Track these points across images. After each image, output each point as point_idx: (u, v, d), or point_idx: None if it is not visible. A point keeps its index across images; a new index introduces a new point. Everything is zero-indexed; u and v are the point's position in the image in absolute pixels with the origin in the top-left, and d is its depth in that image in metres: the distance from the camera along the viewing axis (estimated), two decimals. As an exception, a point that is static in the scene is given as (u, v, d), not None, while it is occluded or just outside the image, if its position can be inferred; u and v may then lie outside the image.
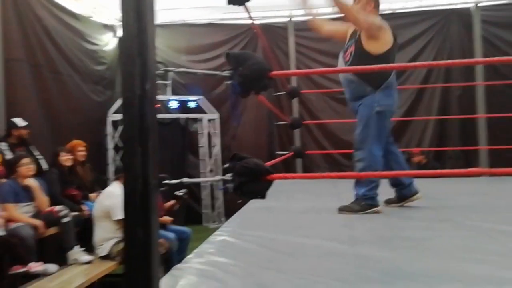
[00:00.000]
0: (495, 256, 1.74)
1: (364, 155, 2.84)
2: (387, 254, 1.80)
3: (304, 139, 6.85)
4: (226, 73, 1.72)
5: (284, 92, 5.89)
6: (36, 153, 4.43)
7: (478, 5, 6.43)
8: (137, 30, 1.30)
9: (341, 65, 2.97)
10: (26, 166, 3.81)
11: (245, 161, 1.65)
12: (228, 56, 1.72)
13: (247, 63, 1.67)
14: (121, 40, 1.36)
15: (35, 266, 3.38)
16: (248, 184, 1.65)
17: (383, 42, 2.81)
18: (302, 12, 6.77)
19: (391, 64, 2.91)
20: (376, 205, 2.81)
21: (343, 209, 2.85)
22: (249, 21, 6.83)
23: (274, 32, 6.96)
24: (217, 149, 6.76)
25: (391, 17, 6.69)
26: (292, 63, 6.85)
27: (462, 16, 6.55)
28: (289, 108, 6.86)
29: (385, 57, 2.78)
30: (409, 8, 6.70)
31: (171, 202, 4.44)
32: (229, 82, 1.72)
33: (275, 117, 6.12)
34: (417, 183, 4.76)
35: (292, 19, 6.88)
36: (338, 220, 2.67)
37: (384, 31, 2.82)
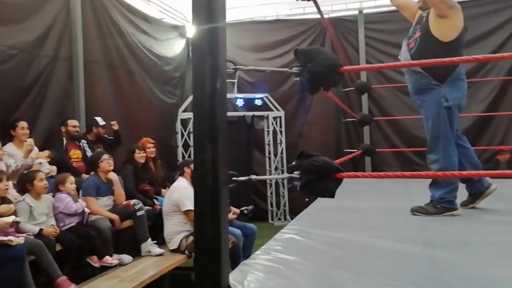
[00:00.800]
0: None
1: (438, 156, 2.64)
2: (463, 259, 1.70)
3: (374, 137, 6.63)
4: (294, 69, 1.70)
5: (353, 88, 5.75)
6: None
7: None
8: (208, 30, 1.33)
9: (404, 53, 2.73)
10: (107, 162, 4.07)
11: (313, 159, 1.63)
12: (296, 52, 1.70)
13: (317, 59, 1.65)
14: (192, 40, 1.40)
15: (110, 260, 3.60)
16: (317, 182, 1.63)
17: (454, 25, 2.56)
18: (372, 3, 6.57)
19: (465, 57, 2.65)
20: (454, 209, 2.63)
21: (416, 210, 2.70)
22: (316, 16, 6.78)
23: (343, 26, 6.81)
24: (282, 147, 6.76)
25: (474, 5, 6.26)
26: (362, 57, 6.65)
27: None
28: (359, 104, 6.67)
29: (455, 45, 2.56)
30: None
31: (235, 211, 4.48)
32: (297, 79, 1.70)
33: (343, 114, 6.00)
34: (501, 184, 4.42)
35: (363, 12, 6.67)
36: (410, 221, 2.55)
37: (456, 12, 2.57)
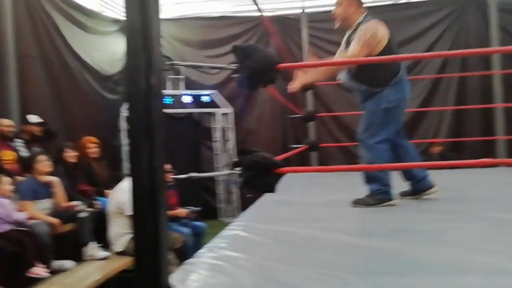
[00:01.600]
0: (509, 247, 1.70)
1: (368, 149, 2.79)
2: (401, 247, 1.77)
3: (319, 132, 6.79)
4: (233, 66, 1.70)
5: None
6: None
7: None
8: (141, 23, 1.29)
9: (345, 77, 2.84)
10: (43, 163, 3.87)
11: (253, 155, 1.64)
12: (235, 49, 1.70)
13: (255, 56, 1.66)
14: (125, 34, 1.35)
15: (39, 271, 3.30)
16: (257, 178, 1.64)
17: (378, 45, 2.67)
18: (315, 3, 6.71)
19: (397, 56, 2.76)
20: (390, 199, 2.76)
21: (357, 202, 2.81)
22: (262, 13, 6.84)
23: (286, 24, 6.90)
24: (231, 144, 6.76)
25: (405, 7, 6.59)
26: (305, 55, 6.77)
27: (478, 4, 6.37)
28: (304, 100, 6.80)
29: (386, 53, 2.65)
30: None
31: (184, 210, 4.42)
32: (236, 75, 1.70)
33: (289, 110, 6.07)
34: (435, 174, 4.69)
35: (305, 11, 6.80)
36: (353, 213, 2.64)
37: (375, 36, 2.67)
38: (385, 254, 1.70)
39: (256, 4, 2.13)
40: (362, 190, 3.65)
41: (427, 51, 6.33)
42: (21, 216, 3.42)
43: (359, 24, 2.75)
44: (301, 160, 6.52)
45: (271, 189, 1.70)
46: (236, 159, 1.67)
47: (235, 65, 1.70)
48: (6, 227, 3.36)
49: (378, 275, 1.47)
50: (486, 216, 2.32)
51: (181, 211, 4.37)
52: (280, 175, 1.68)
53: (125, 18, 1.31)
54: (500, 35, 6.21)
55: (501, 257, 1.56)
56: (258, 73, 1.67)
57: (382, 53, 2.64)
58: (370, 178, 2.80)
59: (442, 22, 6.49)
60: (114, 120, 6.34)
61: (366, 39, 2.63)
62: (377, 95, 2.75)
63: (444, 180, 4.08)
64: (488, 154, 6.13)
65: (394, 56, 2.66)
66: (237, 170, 1.64)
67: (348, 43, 2.81)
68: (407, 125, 6.47)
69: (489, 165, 3.61)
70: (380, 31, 2.70)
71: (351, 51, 2.66)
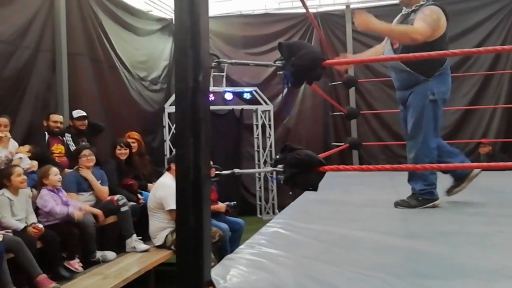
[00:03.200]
0: None
1: (417, 146, 2.68)
2: (444, 250, 1.73)
3: (361, 130, 6.67)
4: (278, 63, 1.70)
5: (340, 82, 5.76)
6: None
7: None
8: (190, 22, 1.32)
9: (388, 52, 2.78)
10: (87, 158, 4.00)
11: (296, 152, 1.63)
12: (280, 46, 1.70)
13: (300, 52, 1.64)
14: (174, 32, 1.38)
15: (76, 265, 3.43)
16: (300, 176, 1.63)
17: (438, 31, 2.61)
18: (360, -1, 6.59)
19: (453, 51, 2.68)
20: (434, 199, 2.67)
21: (399, 204, 2.73)
22: (305, 10, 6.78)
23: (331, 20, 6.82)
24: (271, 141, 6.76)
25: (455, 1, 6.32)
26: (349, 51, 6.65)
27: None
28: (346, 97, 6.70)
29: (438, 43, 2.57)
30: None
31: (223, 205, 4.47)
32: (281, 72, 1.70)
33: (331, 108, 6.01)
34: (483, 176, 4.49)
35: (350, 6, 6.68)
36: (395, 214, 2.58)
37: (439, 21, 2.62)
38: (427, 256, 1.67)
39: (302, 1, 2.11)
40: (403, 190, 3.57)
41: (478, 46, 6.05)
42: (63, 211, 3.52)
43: (421, 5, 2.68)
44: (342, 159, 6.44)
45: (313, 187, 1.69)
46: (278, 156, 1.67)
47: (281, 62, 1.69)
48: (54, 217, 3.51)
49: (419, 277, 1.44)
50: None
51: (220, 206, 4.43)
52: (323, 173, 1.67)
53: (175, 16, 1.34)
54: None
55: None
56: (303, 70, 1.66)
57: (436, 41, 2.57)
58: (414, 177, 2.71)
59: (494, 17, 6.18)
60: (157, 117, 6.48)
61: (432, 20, 2.56)
62: (421, 86, 2.66)
63: (493, 182, 3.92)
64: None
65: (443, 52, 2.54)
66: (279, 167, 1.64)
67: (403, 22, 2.73)
68: (454, 124, 6.31)
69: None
70: (443, 19, 2.64)
71: (417, 25, 2.55)
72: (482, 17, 6.23)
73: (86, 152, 4.04)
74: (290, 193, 3.59)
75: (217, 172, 1.57)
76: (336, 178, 4.47)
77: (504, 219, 2.32)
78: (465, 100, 6.27)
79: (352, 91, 6.59)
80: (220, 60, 1.87)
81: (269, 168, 1.76)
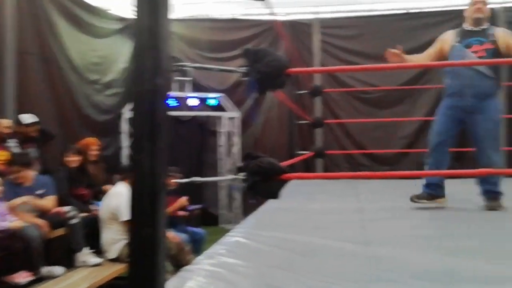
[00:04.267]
0: (505, 255, 1.74)
1: (498, 157, 2.93)
2: (401, 254, 1.77)
3: (326, 139, 6.74)
4: (243, 69, 1.67)
5: (306, 91, 5.82)
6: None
7: (504, 5, 6.20)
8: (150, 22, 1.26)
9: (470, 58, 2.99)
10: (24, 170, 3.64)
11: (259, 160, 1.61)
12: (246, 52, 1.67)
13: (265, 59, 1.63)
14: (133, 32, 1.33)
15: (21, 277, 3.12)
16: (262, 183, 1.61)
17: None
18: (328, 9, 6.67)
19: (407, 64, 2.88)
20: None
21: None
22: (273, 17, 6.79)
23: (299, 29, 6.86)
24: (236, 149, 6.67)
25: (416, 16, 6.54)
26: (316, 61, 6.73)
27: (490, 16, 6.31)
28: (312, 107, 6.75)
29: None
30: (436, 7, 6.50)
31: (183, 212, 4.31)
32: (246, 78, 1.67)
33: (297, 116, 6.05)
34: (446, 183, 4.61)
35: (318, 16, 6.76)
36: (356, 221, 2.61)
37: None
38: (386, 262, 1.70)
39: (268, 7, 2.10)
40: (365, 198, 3.63)
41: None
42: (8, 220, 3.24)
43: (488, 27, 3.08)
44: (306, 167, 6.47)
45: (275, 195, 1.67)
46: (241, 164, 1.64)
47: (245, 68, 1.67)
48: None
49: (378, 283, 1.47)
50: (484, 225, 2.32)
51: (180, 212, 4.26)
52: (285, 181, 1.65)
53: (134, 16, 1.28)
54: None
55: (496, 266, 1.56)
56: (268, 77, 1.64)
57: None
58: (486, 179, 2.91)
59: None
60: (111, 122, 6.17)
61: None
62: (496, 98, 2.98)
63: (447, 189, 4.05)
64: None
65: (405, 64, 2.67)
66: (242, 175, 1.61)
67: (476, 37, 3.04)
68: (414, 134, 6.50)
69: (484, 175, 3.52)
70: None
71: None
72: (441, 31, 6.44)
73: (24, 160, 3.72)
74: (251, 201, 3.57)
75: (175, 180, 1.52)
76: (300, 186, 4.49)
77: (455, 224, 2.42)
78: (424, 111, 6.46)
79: (318, 100, 6.65)
80: (182, 63, 1.81)
81: (231, 176, 1.73)
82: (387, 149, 6.37)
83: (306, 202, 3.50)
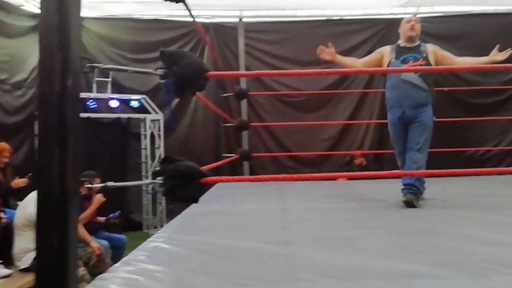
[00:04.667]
0: (415, 252, 1.82)
1: (422, 157, 3.19)
2: (318, 254, 1.83)
3: (252, 142, 6.83)
4: (159, 71, 1.65)
5: (232, 94, 5.86)
6: None
7: (417, 15, 6.70)
8: (59, 20, 1.21)
9: (411, 75, 3.25)
10: None
11: (177, 164, 1.59)
12: (162, 54, 1.65)
13: (182, 62, 1.62)
14: (40, 31, 1.26)
15: None
16: (180, 188, 1.59)
17: None
18: (252, 13, 6.79)
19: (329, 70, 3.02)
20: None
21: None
22: (198, 19, 6.74)
23: (224, 32, 6.89)
24: (160, 151, 6.51)
25: (338, 23, 6.89)
26: (241, 64, 6.81)
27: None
28: (238, 109, 6.81)
29: None
30: (355, 16, 6.86)
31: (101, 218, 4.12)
32: (163, 81, 1.65)
33: (223, 119, 6.06)
34: (357, 184, 4.92)
35: (242, 20, 6.83)
36: (277, 222, 2.67)
37: None
38: (303, 262, 1.74)
39: (188, 9, 2.09)
40: (289, 199, 3.73)
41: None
42: None
43: (420, 43, 3.37)
44: (233, 170, 6.52)
45: (195, 200, 1.66)
46: (158, 168, 1.61)
47: (162, 70, 1.65)
48: None
49: (294, 283, 1.51)
50: (398, 224, 2.46)
51: (99, 218, 4.08)
52: (205, 185, 1.65)
53: (40, 14, 1.21)
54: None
55: (404, 263, 1.66)
56: (185, 80, 1.64)
57: None
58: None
59: (370, 40, 6.83)
60: (20, 125, 5.74)
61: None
62: (429, 107, 3.27)
63: (366, 189, 4.30)
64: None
65: (336, 70, 2.79)
66: (159, 179, 1.58)
67: (412, 53, 3.33)
68: (337, 137, 6.83)
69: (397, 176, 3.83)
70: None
71: (459, 60, 3.35)
72: (361, 39, 6.84)
73: None
74: (169, 206, 3.53)
75: (87, 185, 1.46)
76: (226, 189, 4.50)
77: (372, 223, 2.55)
78: (344, 114, 6.81)
79: (244, 103, 6.73)
80: (94, 64, 1.75)
81: (147, 181, 1.69)
82: (311, 151, 6.63)
83: (231, 204, 3.52)
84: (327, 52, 3.44)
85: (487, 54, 3.50)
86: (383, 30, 6.79)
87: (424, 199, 3.33)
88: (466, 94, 6.08)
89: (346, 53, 6.72)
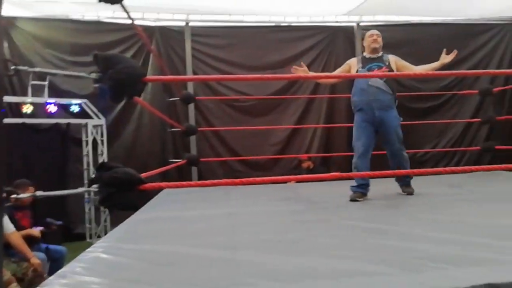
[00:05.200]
0: (356, 251, 1.88)
1: (402, 151, 3.67)
2: (262, 258, 1.84)
3: (200, 147, 6.76)
4: (94, 75, 1.59)
5: (178, 98, 5.77)
6: None
7: (360, 24, 6.98)
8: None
9: (376, 80, 3.63)
10: None
11: (114, 171, 1.54)
12: (96, 58, 1.59)
13: (118, 66, 1.57)
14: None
15: None
16: (117, 195, 1.54)
17: None
18: (199, 17, 6.73)
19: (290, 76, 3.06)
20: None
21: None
22: (143, 22, 6.59)
23: (170, 36, 6.78)
24: (103, 158, 6.25)
25: (286, 29, 7.00)
26: (188, 68, 6.73)
27: (346, 33, 7.04)
28: (186, 114, 6.73)
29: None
30: (301, 23, 7.00)
31: (39, 229, 3.91)
32: (97, 85, 1.59)
33: (169, 124, 5.95)
34: (305, 187, 4.99)
35: (189, 24, 6.76)
36: (225, 227, 2.65)
37: None
38: (248, 266, 1.74)
39: (126, 11, 2.03)
40: (237, 204, 3.72)
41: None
42: None
43: (382, 54, 3.77)
44: (182, 175, 6.42)
45: (133, 207, 1.61)
46: (94, 175, 1.55)
47: (97, 74, 1.59)
48: None
49: (236, 287, 1.50)
50: (342, 224, 2.53)
51: (33, 231, 3.84)
52: (144, 192, 1.60)
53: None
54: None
55: (347, 262, 1.71)
56: (121, 84, 1.58)
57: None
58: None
59: (317, 46, 7.00)
60: None
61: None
62: (394, 109, 3.69)
63: (313, 192, 4.38)
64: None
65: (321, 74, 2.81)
66: (95, 187, 1.52)
67: (375, 63, 3.73)
68: (284, 141, 6.91)
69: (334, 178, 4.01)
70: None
71: (416, 68, 3.78)
72: (308, 45, 6.99)
73: None
74: (104, 211, 3.44)
75: (12, 196, 1.37)
76: (174, 195, 4.42)
77: (318, 224, 2.59)
78: (293, 119, 6.91)
79: (191, 108, 6.65)
80: (20, 67, 1.65)
81: (83, 189, 1.62)
82: (261, 155, 6.66)
83: (178, 210, 3.46)
84: (301, 70, 3.85)
85: (426, 61, 3.86)
86: (329, 37, 7.00)
87: (368, 199, 3.49)
88: (406, 99, 6.37)
89: (294, 58, 6.87)
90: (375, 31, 3.87)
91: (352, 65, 3.82)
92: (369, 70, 3.71)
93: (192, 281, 1.55)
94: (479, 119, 6.20)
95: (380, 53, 3.78)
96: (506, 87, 6.64)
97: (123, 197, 1.53)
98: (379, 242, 2.03)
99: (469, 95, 6.62)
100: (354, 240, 2.09)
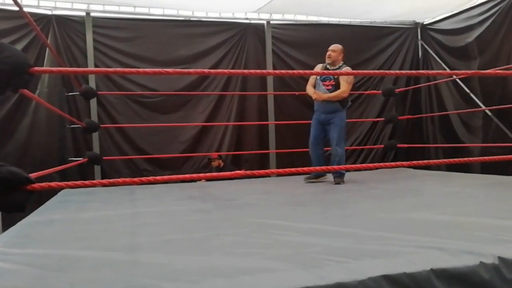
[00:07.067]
0: (260, 248, 1.92)
1: (340, 152, 4.50)
2: (165, 258, 1.80)
3: (104, 144, 6.43)
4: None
5: (78, 93, 5.44)
6: None
7: (270, 22, 7.16)
8: None
9: (323, 90, 4.60)
10: None
11: (-4, 170, 1.40)
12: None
13: (1, 55, 1.43)
14: None
15: None
16: (1, 196, 1.41)
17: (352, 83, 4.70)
18: (100, 8, 6.37)
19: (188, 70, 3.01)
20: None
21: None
22: (39, 10, 6.07)
23: (69, 26, 6.33)
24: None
25: (196, 24, 6.90)
26: (90, 62, 6.35)
27: (257, 31, 7.16)
28: (87, 110, 6.34)
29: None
30: (210, 18, 6.97)
31: None
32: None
33: (69, 120, 5.59)
34: (214, 185, 5.03)
35: (90, 14, 6.37)
36: (125, 228, 2.56)
37: (353, 79, 4.70)
38: (147, 267, 1.69)
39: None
40: (142, 204, 3.62)
41: (213, 68, 6.72)
42: None
43: (340, 66, 4.61)
44: (84, 174, 6.06)
45: (19, 208, 1.49)
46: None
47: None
48: None
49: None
50: (247, 221, 2.57)
51: None
52: (31, 192, 1.49)
53: None
54: (274, 59, 7.11)
55: (247, 259, 1.74)
56: (5, 75, 1.45)
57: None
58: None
59: (227, 43, 7.02)
60: None
61: (351, 80, 4.62)
62: (340, 113, 4.57)
63: (221, 190, 4.42)
64: (265, 166, 6.88)
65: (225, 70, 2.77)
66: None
67: (327, 77, 4.58)
68: (194, 139, 6.83)
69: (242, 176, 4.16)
70: (352, 77, 4.73)
71: (343, 88, 4.53)
72: (218, 41, 6.97)
73: None
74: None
75: None
76: (73, 195, 4.17)
77: (223, 223, 2.61)
78: (202, 116, 6.85)
79: (93, 103, 6.29)
80: None
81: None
82: (170, 153, 6.51)
83: (76, 212, 3.26)
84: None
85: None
86: (239, 33, 7.06)
87: (278, 195, 3.80)
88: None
89: (204, 54, 6.84)
90: (331, 46, 4.61)
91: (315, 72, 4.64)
92: (322, 80, 4.58)
93: (86, 285, 1.48)
94: (383, 118, 6.74)
95: (338, 65, 4.57)
96: (407, 87, 7.28)
97: (8, 197, 1.41)
98: (282, 238, 2.09)
99: (375, 94, 7.11)
100: (258, 238, 2.12)
